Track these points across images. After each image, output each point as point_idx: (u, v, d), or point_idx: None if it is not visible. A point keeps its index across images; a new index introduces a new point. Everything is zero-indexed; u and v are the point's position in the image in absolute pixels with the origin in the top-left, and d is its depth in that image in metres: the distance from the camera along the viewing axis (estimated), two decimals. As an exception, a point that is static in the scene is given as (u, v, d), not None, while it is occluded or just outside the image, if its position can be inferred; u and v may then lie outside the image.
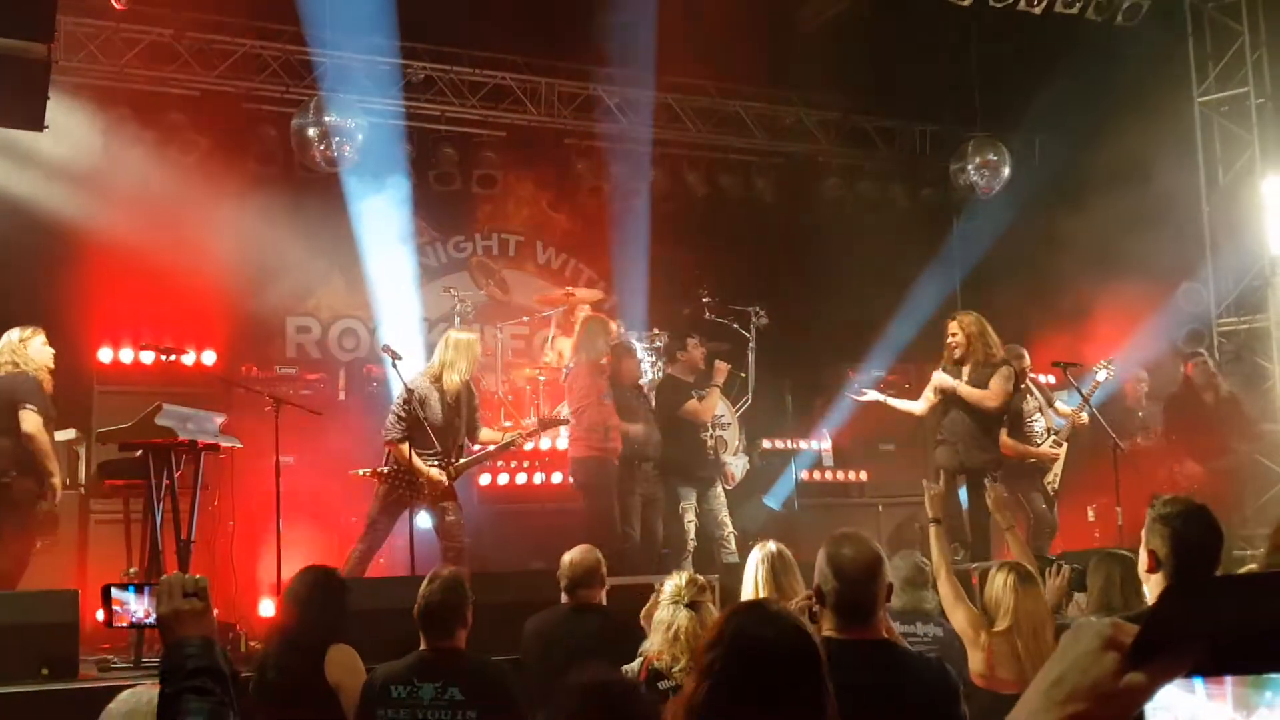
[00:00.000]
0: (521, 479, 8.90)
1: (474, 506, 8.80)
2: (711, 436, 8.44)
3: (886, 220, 12.13)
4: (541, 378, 9.20)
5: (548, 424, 7.97)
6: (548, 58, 10.96)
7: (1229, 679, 1.14)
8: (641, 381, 8.71)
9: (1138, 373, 9.76)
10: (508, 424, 9.12)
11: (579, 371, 8.18)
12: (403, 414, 7.10)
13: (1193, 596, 1.10)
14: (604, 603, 5.16)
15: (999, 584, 4.64)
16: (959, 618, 4.69)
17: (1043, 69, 10.90)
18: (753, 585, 4.44)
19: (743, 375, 9.17)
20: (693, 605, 4.36)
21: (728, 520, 8.27)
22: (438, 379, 7.23)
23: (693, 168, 11.63)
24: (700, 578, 4.70)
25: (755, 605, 2.43)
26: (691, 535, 8.17)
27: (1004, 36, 10.80)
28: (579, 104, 11.11)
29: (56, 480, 6.79)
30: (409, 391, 7.10)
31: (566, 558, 5.21)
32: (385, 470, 7.14)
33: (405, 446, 7.04)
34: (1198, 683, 1.14)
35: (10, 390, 6.71)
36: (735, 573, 7.13)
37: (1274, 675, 1.14)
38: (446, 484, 7.10)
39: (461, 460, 7.27)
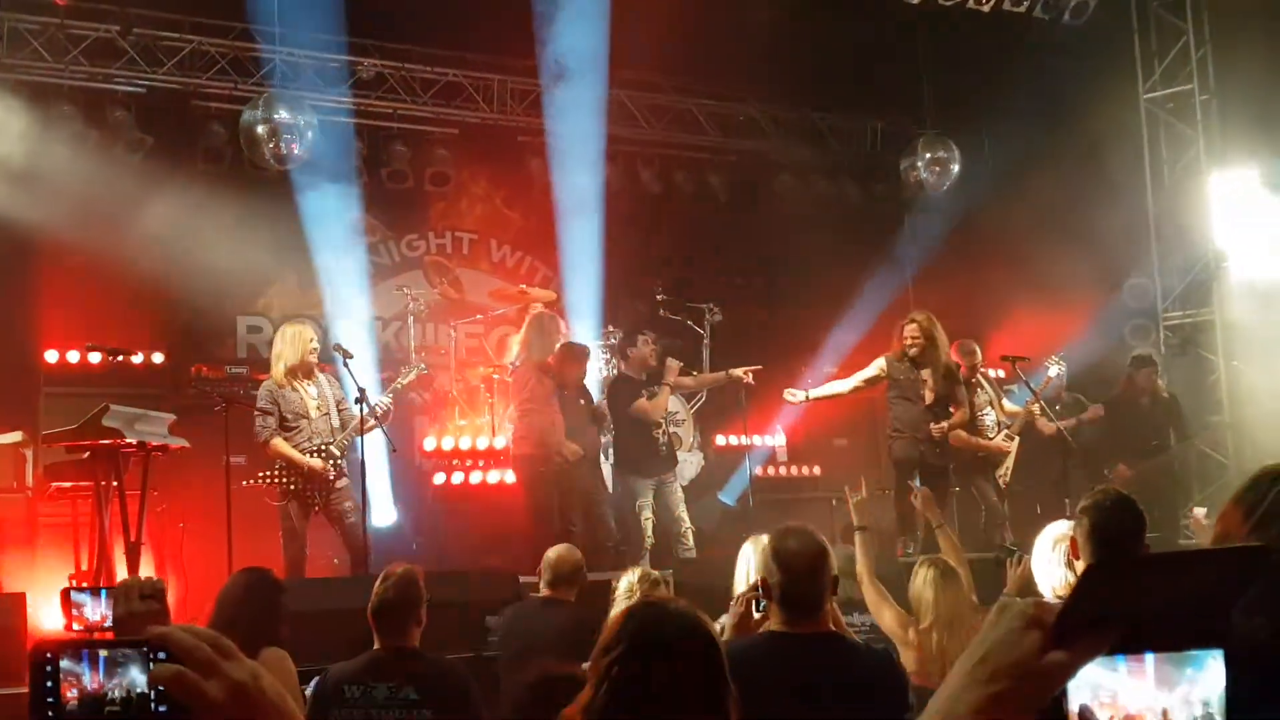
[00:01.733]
0: (476, 478, 8.88)
1: (428, 505, 8.79)
2: (665, 433, 8.44)
3: (839, 216, 12.22)
4: (496, 376, 9.18)
5: (407, 377, 7.95)
6: (500, 55, 10.93)
7: (1150, 656, 1.17)
8: (591, 381, 8.71)
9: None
10: (462, 422, 9.11)
11: (525, 370, 8.16)
12: (263, 409, 7.16)
13: (1113, 576, 1.12)
14: (571, 599, 5.18)
15: (920, 580, 4.72)
16: (886, 619, 4.75)
17: (992, 66, 11.02)
18: (744, 578, 4.46)
19: (695, 372, 9.17)
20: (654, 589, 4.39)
21: (685, 516, 8.28)
22: (276, 373, 7.28)
23: (646, 165, 11.65)
24: (655, 573, 4.75)
25: (654, 604, 2.39)
26: (649, 532, 8.18)
27: (953, 34, 10.91)
28: (531, 101, 11.08)
29: None
30: (266, 392, 7.20)
31: (550, 554, 5.26)
32: (270, 474, 7.11)
33: (279, 442, 7.10)
34: (1119, 661, 1.17)
35: None
36: (693, 568, 7.21)
37: (1194, 652, 1.17)
38: (329, 467, 7.10)
39: (336, 440, 7.22)
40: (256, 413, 7.19)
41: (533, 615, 5.07)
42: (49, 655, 1.19)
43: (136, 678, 1.20)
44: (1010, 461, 8.89)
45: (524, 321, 8.79)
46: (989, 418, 8.99)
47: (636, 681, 2.13)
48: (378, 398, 7.46)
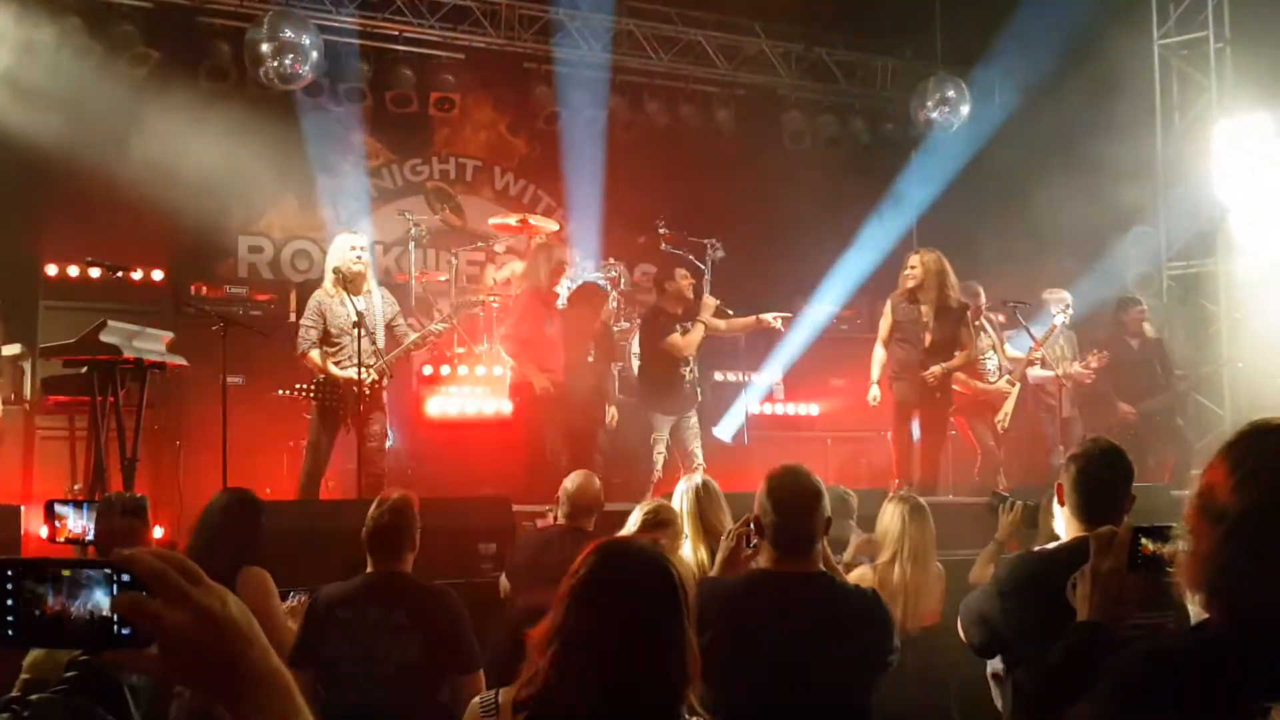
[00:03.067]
0: (472, 405, 8.90)
1: (422, 432, 8.82)
2: (692, 371, 8.36)
3: (846, 154, 12.13)
4: (495, 303, 9.15)
5: (460, 307, 7.89)
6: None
7: None
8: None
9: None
10: (460, 349, 9.10)
11: (522, 297, 8.13)
12: (307, 323, 7.09)
13: None
14: (590, 529, 5.19)
15: (889, 515, 4.78)
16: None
17: (1005, 7, 10.85)
18: (682, 516, 4.51)
19: (730, 313, 8.98)
20: (657, 528, 4.41)
21: (698, 452, 8.23)
22: (326, 282, 7.19)
23: (653, 96, 11.52)
24: (665, 508, 4.74)
25: (620, 541, 2.43)
26: (659, 466, 8.17)
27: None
28: (539, 27, 10.94)
29: None
30: (314, 304, 7.10)
31: (568, 484, 5.25)
32: (307, 386, 7.07)
33: (317, 354, 7.03)
34: None
35: None
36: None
37: None
38: (368, 388, 7.01)
39: (382, 360, 7.15)
40: (301, 322, 7.15)
41: (555, 544, 5.05)
42: (8, 574, 1.17)
43: (100, 600, 1.18)
44: (1010, 406, 8.89)
45: (529, 250, 8.75)
46: (990, 362, 9.00)
47: (596, 616, 2.17)
48: (412, 336, 7.37)
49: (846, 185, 11.11)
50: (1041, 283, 9.81)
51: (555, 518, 5.38)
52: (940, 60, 12.06)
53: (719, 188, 11.29)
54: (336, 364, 7.03)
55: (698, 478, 4.63)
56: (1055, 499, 3.27)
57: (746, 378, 9.33)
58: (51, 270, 8.30)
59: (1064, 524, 3.24)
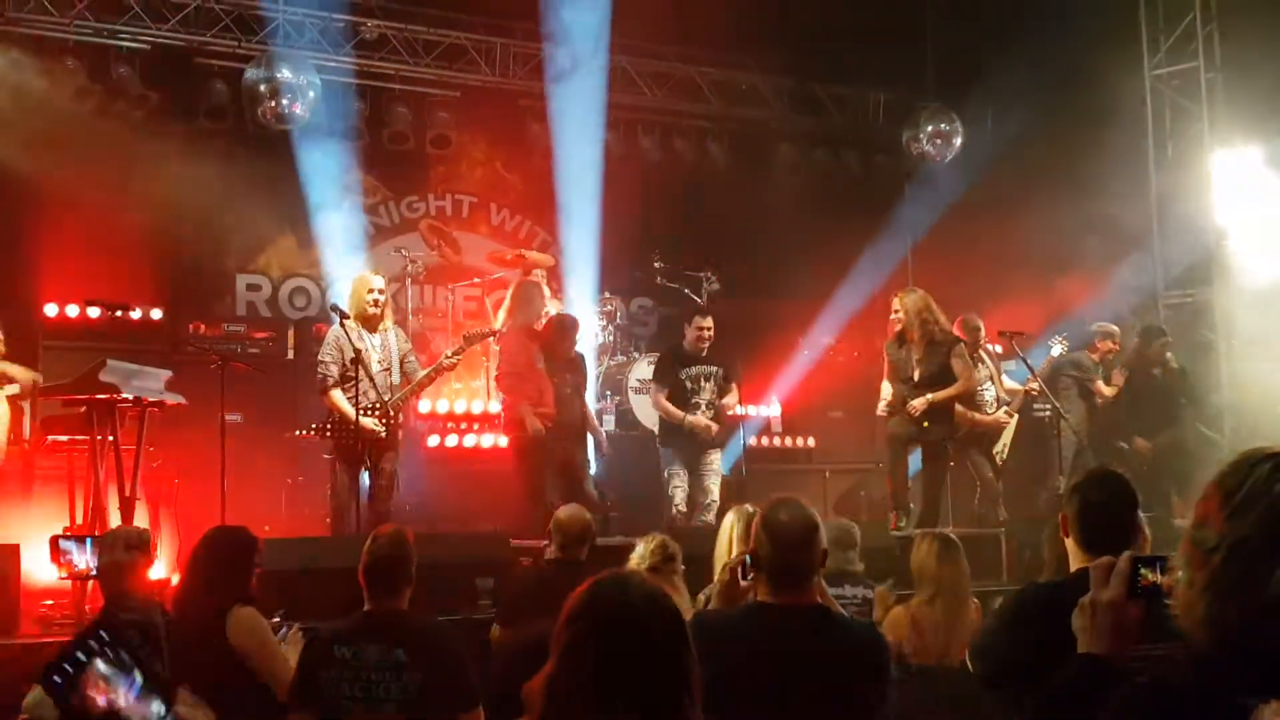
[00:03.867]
0: (470, 441, 8.91)
1: (422, 467, 8.81)
2: (702, 410, 8.37)
3: (839, 187, 12.20)
4: (493, 342, 9.17)
5: (473, 339, 7.91)
6: (503, 18, 10.87)
7: None
8: (587, 347, 8.70)
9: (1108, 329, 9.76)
10: (457, 385, 9.12)
11: (511, 336, 8.15)
12: (326, 359, 7.12)
13: None
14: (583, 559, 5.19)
15: (923, 552, 4.74)
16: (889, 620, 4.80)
17: (996, 39, 10.95)
18: (726, 546, 4.48)
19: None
20: (654, 571, 4.39)
21: (713, 488, 8.24)
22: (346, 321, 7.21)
23: (647, 132, 11.61)
24: (673, 544, 4.72)
25: (618, 576, 2.40)
26: (676, 500, 8.17)
27: (959, 7, 10.84)
28: (533, 65, 11.04)
29: None
30: (333, 339, 7.13)
31: (560, 515, 5.26)
32: (323, 424, 7.09)
33: (337, 395, 7.07)
34: None
35: None
36: (683, 536, 7.17)
37: None
38: (381, 428, 7.04)
39: (393, 397, 7.18)
40: (320, 359, 7.17)
41: (549, 579, 5.03)
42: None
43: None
44: (1008, 438, 8.91)
45: (513, 288, 8.79)
46: (988, 393, 8.99)
47: (597, 655, 2.13)
48: (422, 372, 7.41)
49: (840, 217, 11.16)
50: (1039, 313, 9.84)
51: (549, 551, 5.37)
52: (932, 93, 12.16)
53: (713, 221, 11.35)
54: (350, 401, 7.05)
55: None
56: (1060, 530, 3.27)
57: (743, 410, 9.33)
58: (51, 310, 8.33)
59: (1070, 555, 3.25)
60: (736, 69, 11.95)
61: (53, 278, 8.68)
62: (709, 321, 8.44)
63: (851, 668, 3.29)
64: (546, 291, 8.78)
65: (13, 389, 7.54)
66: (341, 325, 7.10)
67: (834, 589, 4.69)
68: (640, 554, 4.62)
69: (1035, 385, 8.94)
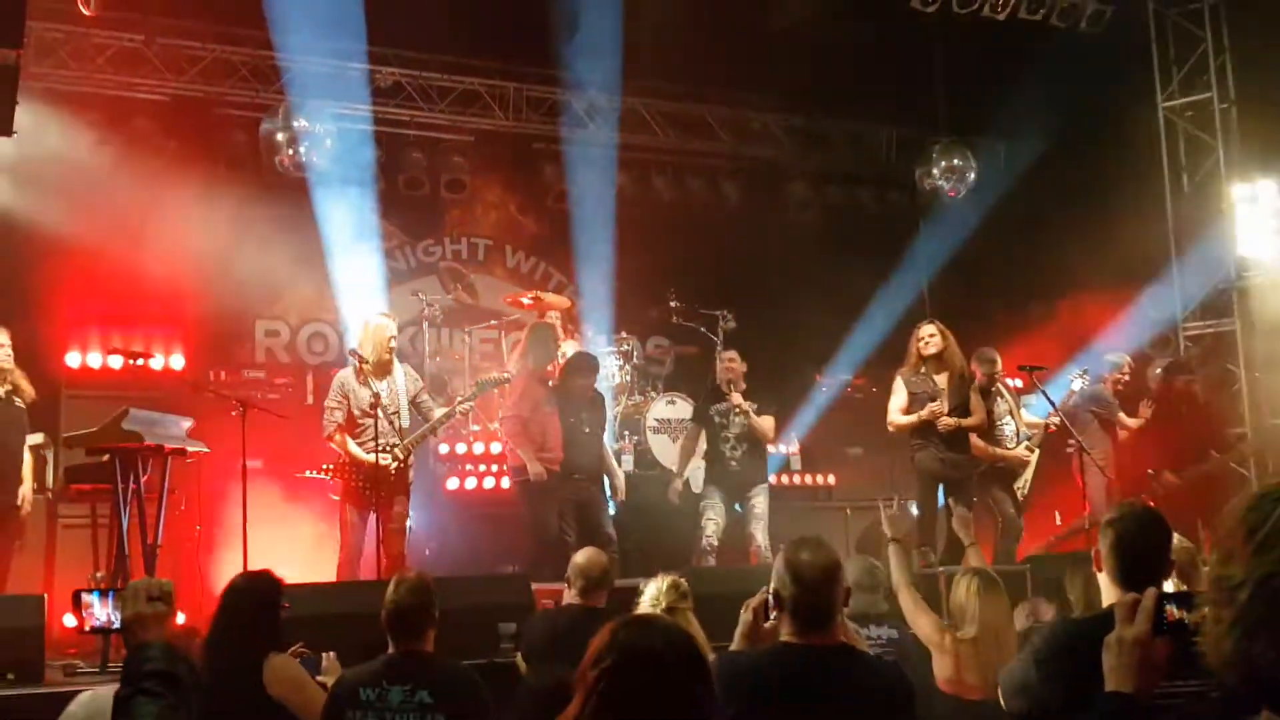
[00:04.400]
0: (489, 483, 8.91)
1: (442, 510, 8.82)
2: (735, 459, 8.30)
3: (853, 224, 12.23)
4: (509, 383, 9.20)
5: (486, 385, 7.92)
6: (515, 63, 11.00)
7: None
8: (604, 387, 8.70)
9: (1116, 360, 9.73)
10: (475, 427, 9.14)
11: (519, 380, 8.16)
12: (333, 405, 7.14)
13: None
14: (603, 605, 5.17)
15: (963, 590, 4.71)
16: (922, 625, 4.75)
17: (1008, 74, 10.99)
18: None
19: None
20: (671, 611, 4.38)
21: (756, 533, 8.16)
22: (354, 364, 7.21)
23: (660, 172, 11.70)
24: (683, 582, 4.71)
25: (641, 619, 2.39)
26: (708, 533, 8.10)
27: (969, 42, 10.90)
28: (546, 109, 11.17)
29: None
30: (338, 385, 7.14)
31: (579, 559, 5.24)
32: (331, 466, 7.11)
33: (341, 437, 7.09)
34: None
35: None
36: (704, 576, 7.13)
37: None
38: (393, 470, 7.05)
39: (406, 440, 7.18)
40: (326, 405, 7.17)
41: (569, 623, 4.99)
42: None
43: None
44: (1029, 473, 8.85)
45: (524, 331, 8.83)
46: (1008, 428, 8.93)
47: (622, 697, 2.13)
48: (439, 412, 7.42)
49: (855, 254, 11.18)
50: (1057, 348, 9.82)
51: (568, 596, 5.34)
52: (944, 128, 12.21)
53: (728, 260, 11.39)
54: (361, 445, 7.07)
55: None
56: (1094, 564, 3.26)
57: (771, 450, 9.33)
58: (73, 360, 8.40)
59: (1104, 591, 3.24)
60: (748, 108, 12.04)
61: (74, 328, 8.77)
62: (731, 354, 8.47)
63: (877, 707, 3.28)
64: (560, 334, 8.81)
65: (36, 438, 7.61)
66: (360, 370, 7.11)
67: (861, 629, 4.67)
68: (653, 595, 4.61)
69: (1056, 420, 8.89)
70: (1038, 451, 8.92)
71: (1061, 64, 10.67)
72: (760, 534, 8.13)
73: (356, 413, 7.10)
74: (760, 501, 8.24)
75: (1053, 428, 8.98)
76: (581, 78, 10.92)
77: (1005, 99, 11.18)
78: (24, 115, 6.27)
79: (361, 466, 7.02)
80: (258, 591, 4.52)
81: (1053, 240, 11.06)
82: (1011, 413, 9.03)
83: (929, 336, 8.15)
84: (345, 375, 7.21)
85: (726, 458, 8.29)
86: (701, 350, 10.08)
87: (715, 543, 8.07)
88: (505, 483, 8.84)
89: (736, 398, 8.23)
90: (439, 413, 7.41)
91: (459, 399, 7.64)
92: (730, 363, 8.43)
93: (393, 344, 7.24)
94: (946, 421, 7.96)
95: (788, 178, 12.22)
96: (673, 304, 9.81)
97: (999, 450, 8.77)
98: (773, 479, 9.52)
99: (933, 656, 4.75)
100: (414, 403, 7.28)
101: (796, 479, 10.12)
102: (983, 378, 8.60)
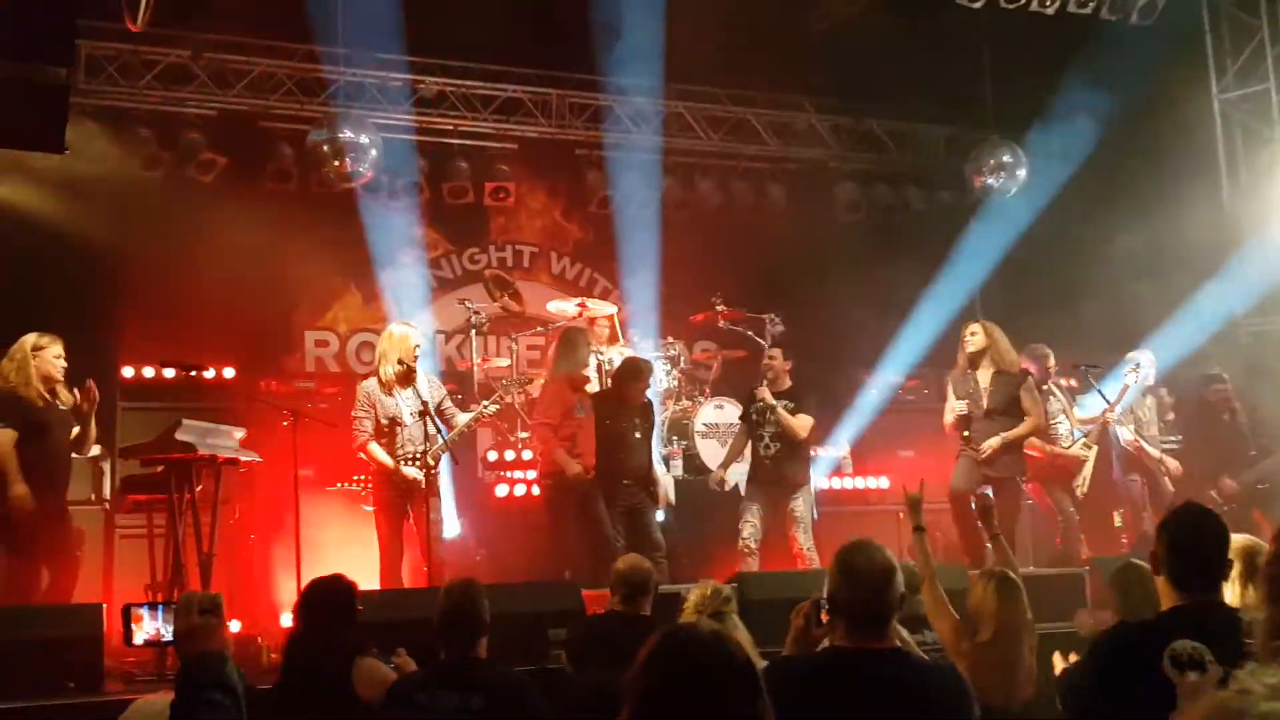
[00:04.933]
0: (538, 490, 8.89)
1: (491, 517, 8.84)
2: (769, 457, 8.24)
3: (902, 224, 12.12)
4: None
5: (510, 387, 7.92)
6: (558, 69, 11.02)
7: None
8: (653, 392, 8.67)
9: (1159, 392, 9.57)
10: (524, 434, 9.15)
11: (550, 385, 8.15)
12: (361, 414, 7.18)
13: None
14: (648, 613, 5.15)
15: (980, 591, 4.61)
16: (942, 626, 4.66)
17: (1058, 68, 10.84)
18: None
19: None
20: (716, 616, 4.35)
21: (799, 535, 8.07)
22: (377, 374, 7.28)
23: (705, 175, 11.65)
24: (725, 588, 4.67)
25: (688, 628, 2.35)
26: (745, 535, 8.04)
27: (1018, 37, 10.76)
28: (590, 115, 11.18)
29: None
30: (364, 395, 7.19)
31: (620, 566, 5.23)
32: (364, 478, 7.15)
33: (374, 448, 7.13)
34: None
35: None
36: (755, 581, 7.08)
37: None
38: (421, 475, 7.09)
39: (434, 447, 7.21)
40: (353, 415, 7.24)
41: (614, 632, 4.96)
42: None
43: None
44: (1088, 471, 8.69)
45: (599, 334, 8.82)
46: (1061, 426, 8.82)
47: (670, 710, 2.09)
48: (463, 418, 7.46)
49: (904, 254, 11.07)
50: (1111, 346, 9.65)
51: (611, 604, 5.31)
52: (994, 125, 12.06)
53: (775, 262, 11.31)
54: (390, 454, 7.12)
55: None
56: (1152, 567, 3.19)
57: (812, 451, 9.24)
58: (128, 372, 8.51)
59: (1161, 594, 3.16)
60: (793, 109, 11.96)
61: (128, 341, 8.88)
62: (774, 353, 8.42)
63: (934, 711, 3.22)
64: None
65: (93, 450, 7.70)
66: (378, 381, 7.17)
67: (912, 634, 4.60)
68: (696, 601, 4.57)
69: (1114, 414, 8.73)
70: (1095, 449, 8.76)
71: (1113, 57, 10.51)
72: (802, 536, 8.06)
73: (384, 421, 7.15)
74: (800, 504, 8.16)
75: (1110, 422, 8.80)
76: (624, 83, 10.91)
77: (1056, 94, 11.03)
78: (75, 132, 6.38)
79: (392, 475, 7.08)
80: (336, 595, 4.57)
81: (1106, 236, 10.88)
82: (1065, 411, 8.90)
83: (970, 335, 8.07)
84: (370, 385, 7.26)
85: (762, 456, 8.24)
86: (749, 354, 10.02)
87: (753, 545, 8.02)
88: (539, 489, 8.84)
89: (763, 391, 8.17)
90: (463, 419, 7.44)
91: (482, 405, 7.64)
92: (770, 359, 8.39)
93: (417, 352, 7.27)
94: (986, 446, 7.82)
95: (835, 178, 12.13)
96: (719, 308, 9.77)
97: (1056, 449, 8.64)
98: (824, 482, 9.46)
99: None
100: (438, 410, 7.30)
101: (848, 482, 10.02)
102: (1038, 374, 8.47)
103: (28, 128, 6.42)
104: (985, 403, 7.93)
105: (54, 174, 8.49)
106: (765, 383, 8.25)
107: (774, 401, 8.15)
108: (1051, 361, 8.78)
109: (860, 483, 10.04)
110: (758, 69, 11.17)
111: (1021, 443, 8.04)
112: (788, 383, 8.34)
